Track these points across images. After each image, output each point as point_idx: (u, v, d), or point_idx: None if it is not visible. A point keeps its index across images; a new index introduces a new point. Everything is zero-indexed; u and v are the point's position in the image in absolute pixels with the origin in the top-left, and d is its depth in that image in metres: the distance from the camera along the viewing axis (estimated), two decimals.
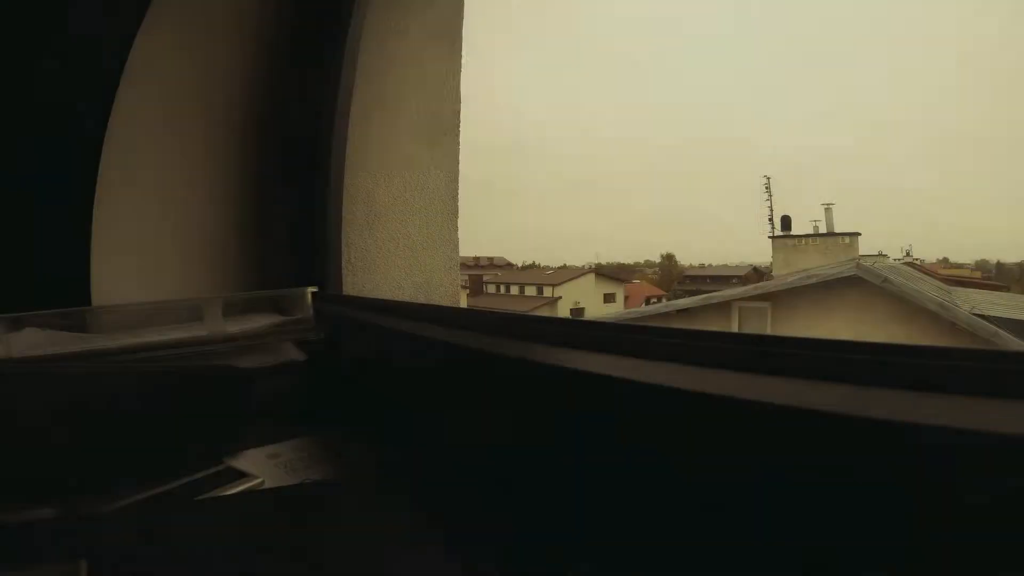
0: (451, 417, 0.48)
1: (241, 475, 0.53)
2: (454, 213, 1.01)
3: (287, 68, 1.09)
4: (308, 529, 0.39)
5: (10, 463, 0.47)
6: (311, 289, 0.81)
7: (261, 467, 0.56)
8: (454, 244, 1.00)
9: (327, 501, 0.44)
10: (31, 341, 0.77)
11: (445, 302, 0.98)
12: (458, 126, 1.10)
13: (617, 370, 0.32)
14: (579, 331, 0.39)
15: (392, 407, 0.60)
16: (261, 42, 1.11)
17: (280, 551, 0.36)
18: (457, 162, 1.06)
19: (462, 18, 1.17)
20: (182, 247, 0.99)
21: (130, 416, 0.54)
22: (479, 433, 0.43)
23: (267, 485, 0.51)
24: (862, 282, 5.63)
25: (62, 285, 1.00)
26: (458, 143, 1.09)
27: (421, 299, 0.95)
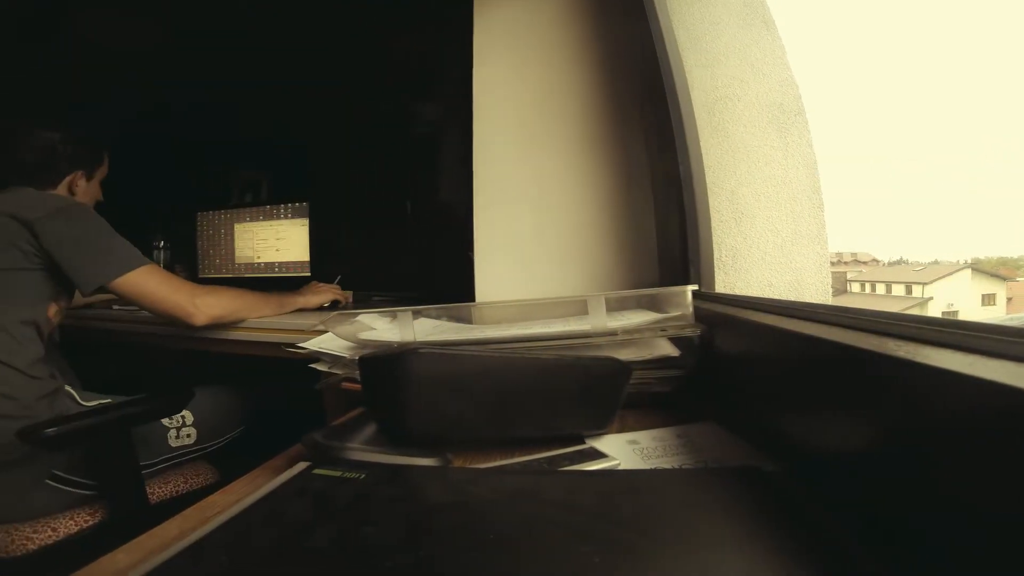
0: (821, 419, 0.47)
1: (601, 455, 0.58)
2: (819, 207, 0.96)
3: (622, 72, 1.15)
4: (650, 510, 0.40)
5: (412, 421, 0.56)
6: (691, 287, 0.83)
7: (620, 450, 0.60)
8: (822, 240, 0.95)
9: (672, 489, 0.45)
10: (426, 328, 0.93)
11: (816, 301, 0.94)
12: (803, 112, 1.05)
13: (1010, 378, 0.27)
14: (964, 332, 0.36)
15: (760, 405, 0.60)
16: (587, 51, 1.18)
17: (620, 525, 0.37)
18: (812, 151, 1.00)
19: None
20: (553, 250, 1.12)
21: (514, 394, 0.61)
22: (849, 436, 0.42)
23: (622, 467, 0.56)
24: None
25: (454, 285, 1.22)
26: (808, 130, 1.03)
27: (793, 297, 0.93)
